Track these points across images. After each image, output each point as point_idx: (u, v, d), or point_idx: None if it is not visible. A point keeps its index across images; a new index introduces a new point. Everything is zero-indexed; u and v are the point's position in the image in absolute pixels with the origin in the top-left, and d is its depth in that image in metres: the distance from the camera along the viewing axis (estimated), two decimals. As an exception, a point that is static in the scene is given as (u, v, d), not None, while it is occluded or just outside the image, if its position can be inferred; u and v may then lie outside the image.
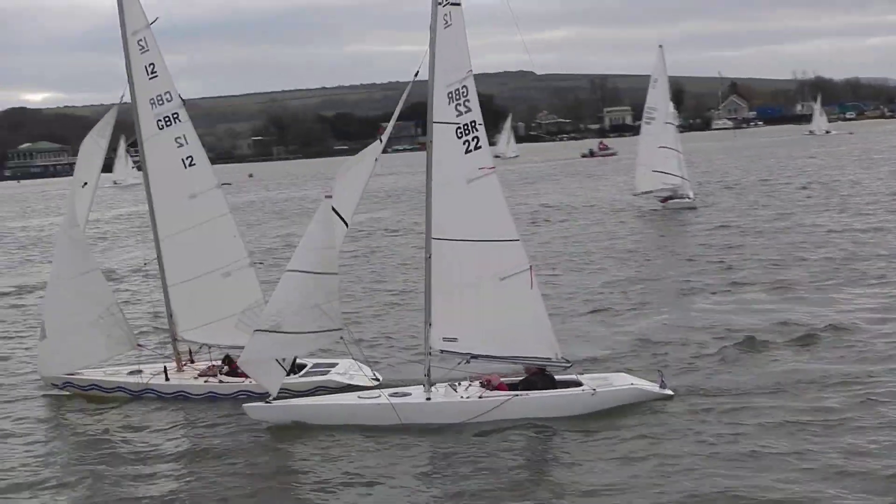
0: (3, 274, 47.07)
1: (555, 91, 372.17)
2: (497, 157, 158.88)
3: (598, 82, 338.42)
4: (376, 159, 19.20)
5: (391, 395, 18.96)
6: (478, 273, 18.69)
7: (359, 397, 19.31)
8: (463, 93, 18.32)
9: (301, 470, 17.21)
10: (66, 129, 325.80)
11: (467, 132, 18.38)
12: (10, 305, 36.81)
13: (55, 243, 22.93)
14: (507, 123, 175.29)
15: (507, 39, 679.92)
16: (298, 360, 21.56)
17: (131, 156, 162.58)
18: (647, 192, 56.51)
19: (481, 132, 18.59)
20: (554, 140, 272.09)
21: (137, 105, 22.49)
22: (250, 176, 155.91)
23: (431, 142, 18.91)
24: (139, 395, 22.02)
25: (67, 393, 22.56)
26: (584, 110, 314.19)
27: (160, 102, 22.25)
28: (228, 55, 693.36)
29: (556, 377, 19.38)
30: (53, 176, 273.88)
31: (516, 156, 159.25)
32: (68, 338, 21.89)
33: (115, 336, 21.94)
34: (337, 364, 21.79)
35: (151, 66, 22.20)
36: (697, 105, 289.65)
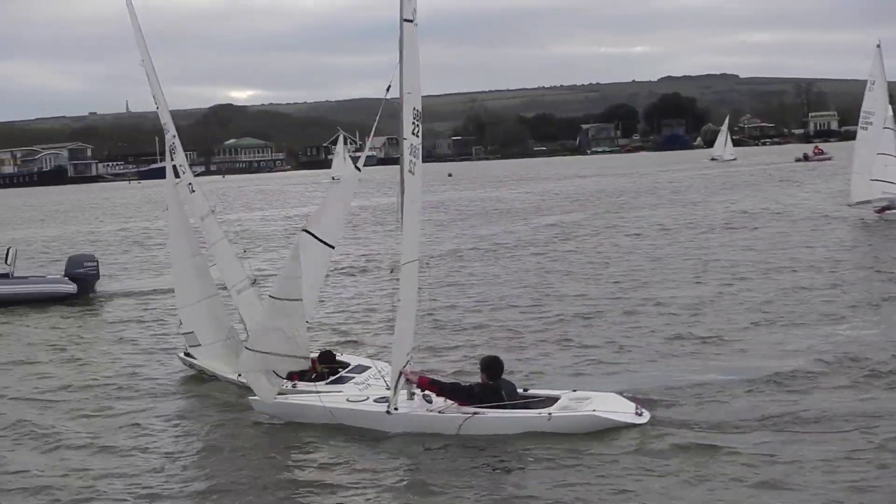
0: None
1: (758, 95, 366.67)
2: (714, 159, 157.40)
3: (803, 86, 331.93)
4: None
5: (375, 401, 18.64)
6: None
7: (347, 400, 19.15)
8: (418, 115, 17.76)
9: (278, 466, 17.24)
10: (269, 125, 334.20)
11: (414, 153, 17.87)
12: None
13: (174, 261, 23.86)
14: (725, 126, 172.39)
15: (709, 42, 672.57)
16: (342, 357, 22.17)
17: (350, 154, 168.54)
18: (863, 203, 52.29)
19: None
20: (756, 144, 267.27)
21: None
22: (449, 175, 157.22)
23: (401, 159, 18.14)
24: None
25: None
26: (788, 115, 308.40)
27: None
28: (429, 55, 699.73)
29: (540, 391, 18.55)
30: (257, 171, 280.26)
31: (733, 158, 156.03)
32: (216, 349, 23.09)
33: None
34: (369, 368, 21.57)
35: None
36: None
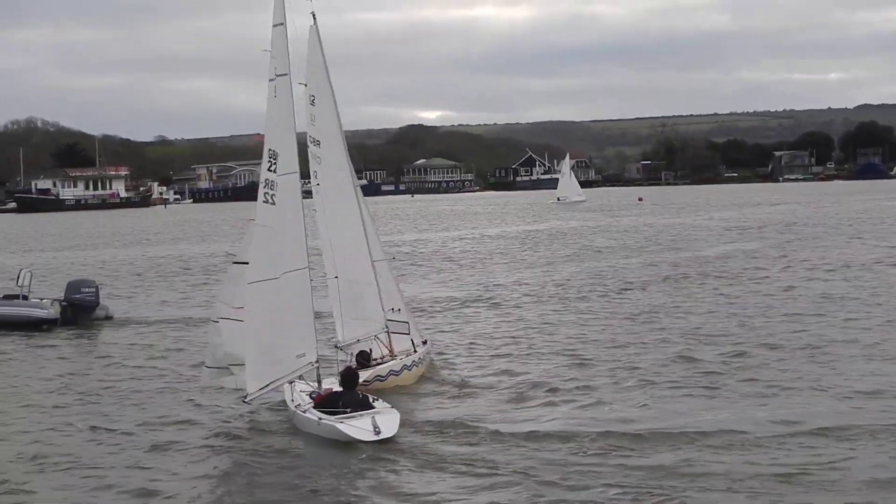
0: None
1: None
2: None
3: None
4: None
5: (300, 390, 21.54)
6: None
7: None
8: (274, 154, 21.01)
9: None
10: (458, 146, 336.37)
11: (270, 187, 21.20)
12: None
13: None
14: None
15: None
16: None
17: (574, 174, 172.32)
18: None
19: None
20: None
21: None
22: (640, 200, 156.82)
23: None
24: None
25: None
26: None
27: None
28: (620, 79, 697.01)
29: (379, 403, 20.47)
30: (445, 192, 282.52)
31: None
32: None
33: None
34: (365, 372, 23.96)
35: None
36: None
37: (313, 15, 23.86)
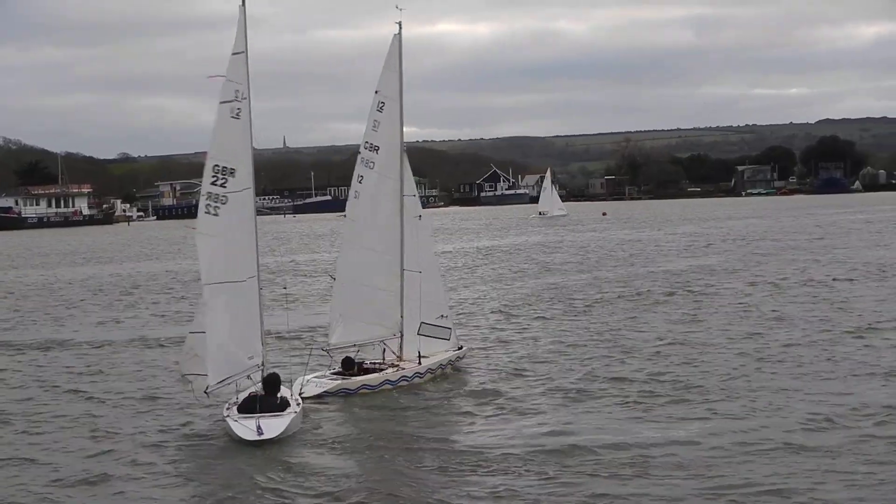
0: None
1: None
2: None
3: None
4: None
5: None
6: None
7: None
8: (219, 170, 21.54)
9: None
10: (423, 162, 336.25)
11: (214, 199, 21.63)
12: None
13: (431, 269, 27.12)
14: None
15: (869, 85, 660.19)
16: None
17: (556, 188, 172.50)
18: None
19: None
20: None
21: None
22: (604, 214, 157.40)
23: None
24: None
25: None
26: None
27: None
28: (583, 94, 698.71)
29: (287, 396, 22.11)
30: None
31: None
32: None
33: None
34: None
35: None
36: None
37: (399, 24, 25.54)
